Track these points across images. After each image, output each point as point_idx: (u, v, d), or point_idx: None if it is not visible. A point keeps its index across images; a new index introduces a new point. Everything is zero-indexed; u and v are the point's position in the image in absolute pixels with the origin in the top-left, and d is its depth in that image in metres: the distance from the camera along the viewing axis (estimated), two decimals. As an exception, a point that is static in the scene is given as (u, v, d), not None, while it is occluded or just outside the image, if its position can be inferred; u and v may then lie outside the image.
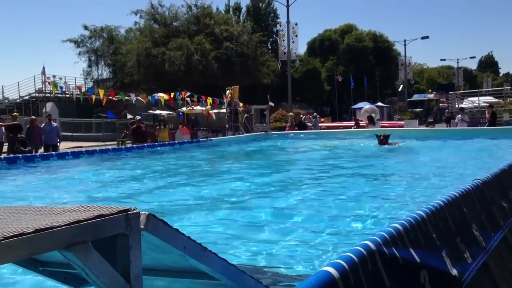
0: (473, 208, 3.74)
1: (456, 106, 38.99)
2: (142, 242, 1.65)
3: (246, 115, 27.48)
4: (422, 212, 2.91)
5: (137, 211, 1.62)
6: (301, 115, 28.17)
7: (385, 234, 2.37)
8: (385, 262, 2.20)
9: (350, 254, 2.03)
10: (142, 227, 1.61)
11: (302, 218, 5.25)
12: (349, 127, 27.28)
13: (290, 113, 27.42)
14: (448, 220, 3.20)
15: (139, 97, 28.64)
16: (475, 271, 3.10)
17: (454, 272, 2.81)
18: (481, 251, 3.42)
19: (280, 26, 40.44)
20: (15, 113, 18.92)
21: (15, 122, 17.25)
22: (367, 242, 2.21)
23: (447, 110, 43.77)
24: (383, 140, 13.56)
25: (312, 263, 3.68)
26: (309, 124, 28.20)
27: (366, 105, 29.84)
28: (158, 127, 22.51)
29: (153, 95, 29.77)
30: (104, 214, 1.56)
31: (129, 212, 1.60)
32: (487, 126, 22.54)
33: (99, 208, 1.67)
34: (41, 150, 16.43)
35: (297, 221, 5.13)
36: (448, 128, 30.24)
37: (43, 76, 37.40)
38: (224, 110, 27.83)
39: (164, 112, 29.00)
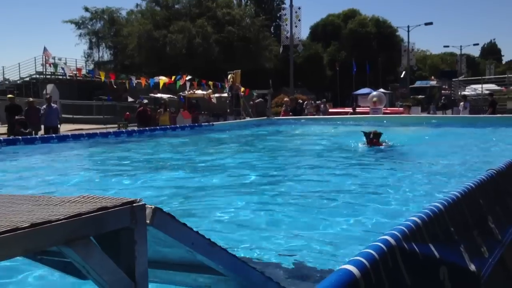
0: (489, 199, 3.60)
1: (459, 93, 38.70)
2: (147, 236, 1.52)
3: (259, 99, 27.30)
4: (440, 204, 2.77)
5: (143, 203, 1.49)
6: (301, 101, 27.97)
7: (404, 228, 2.22)
8: (405, 259, 2.07)
9: (370, 251, 1.88)
10: (148, 222, 1.48)
11: (312, 212, 5.03)
12: (347, 113, 27.15)
13: (286, 99, 27.30)
14: (465, 212, 3.06)
15: (138, 80, 28.34)
16: (492, 266, 2.97)
17: (472, 267, 2.68)
18: (497, 245, 3.28)
19: (284, 10, 40.06)
20: (10, 95, 18.09)
21: (15, 103, 16.92)
22: (387, 237, 2.06)
23: (443, 97, 43.39)
24: (373, 139, 10.70)
25: (325, 259, 3.54)
26: (311, 110, 27.94)
27: (371, 92, 29.52)
28: (159, 110, 22.28)
29: (153, 78, 29.47)
30: (107, 206, 1.42)
31: (134, 204, 1.47)
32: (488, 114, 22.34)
33: (101, 199, 1.53)
34: (41, 132, 16.22)
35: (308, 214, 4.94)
36: (447, 116, 30.06)
37: (44, 57, 37.07)
38: (225, 95, 27.58)
39: (165, 96, 28.72)
